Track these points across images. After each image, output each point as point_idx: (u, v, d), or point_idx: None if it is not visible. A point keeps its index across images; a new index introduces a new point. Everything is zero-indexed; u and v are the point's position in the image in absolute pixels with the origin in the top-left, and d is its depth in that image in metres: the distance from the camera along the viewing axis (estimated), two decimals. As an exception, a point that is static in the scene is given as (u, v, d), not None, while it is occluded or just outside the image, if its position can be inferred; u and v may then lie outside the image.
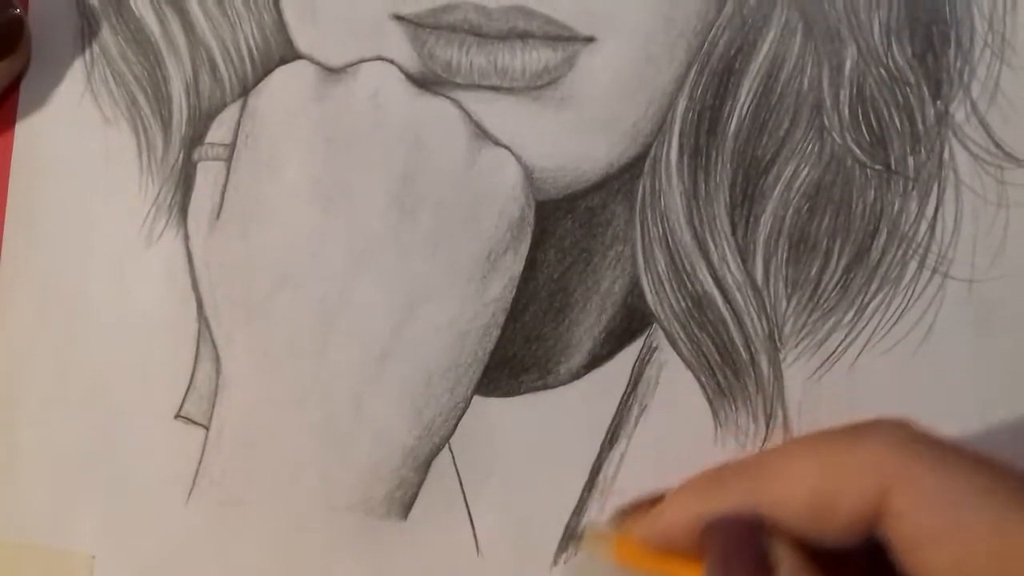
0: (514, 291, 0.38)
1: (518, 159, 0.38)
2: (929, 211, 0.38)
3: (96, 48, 0.39)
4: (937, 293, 0.38)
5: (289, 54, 0.39)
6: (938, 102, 0.38)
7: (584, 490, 0.38)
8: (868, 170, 0.38)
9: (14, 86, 0.39)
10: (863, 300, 0.38)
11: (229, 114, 0.39)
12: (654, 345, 0.38)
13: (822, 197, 0.38)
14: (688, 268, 0.38)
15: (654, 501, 0.32)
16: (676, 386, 0.38)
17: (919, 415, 0.37)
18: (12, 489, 0.38)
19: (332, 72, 0.39)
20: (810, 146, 0.38)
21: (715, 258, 0.38)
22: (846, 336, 0.38)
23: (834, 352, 0.38)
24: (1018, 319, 0.37)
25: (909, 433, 0.28)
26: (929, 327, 0.37)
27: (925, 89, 0.38)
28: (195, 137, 0.39)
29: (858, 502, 0.27)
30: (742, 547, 0.28)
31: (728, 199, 0.38)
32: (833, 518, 0.27)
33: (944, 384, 0.37)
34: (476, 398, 0.38)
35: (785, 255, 0.38)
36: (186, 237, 0.39)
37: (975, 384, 0.37)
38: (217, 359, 0.38)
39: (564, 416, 0.38)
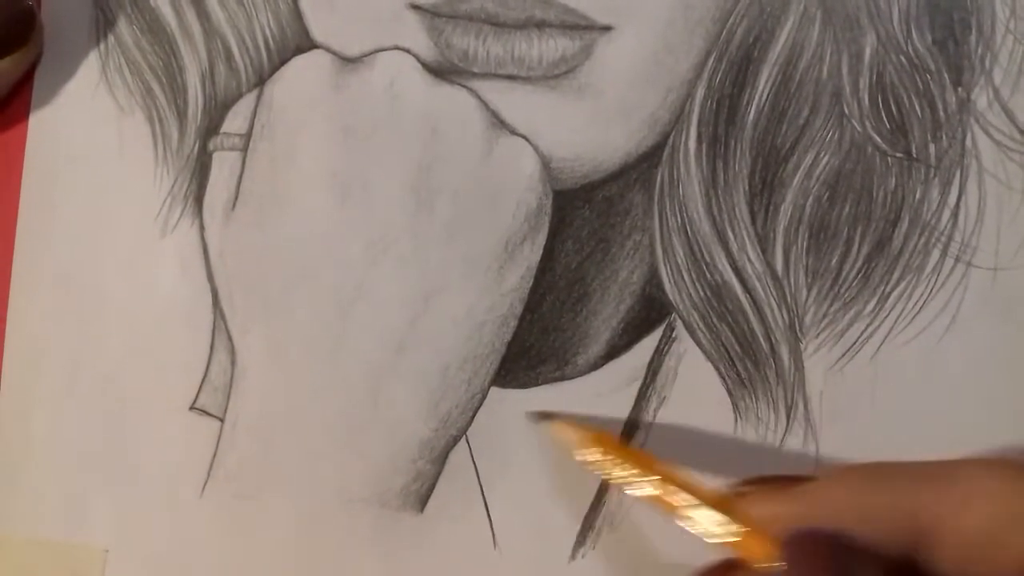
0: (531, 281, 0.38)
1: (535, 149, 0.38)
2: (952, 199, 0.37)
3: (111, 38, 0.39)
4: (961, 281, 0.37)
5: (305, 44, 0.39)
6: (959, 89, 0.38)
7: (602, 482, 0.37)
8: (889, 158, 0.38)
9: (28, 77, 0.39)
10: (885, 289, 0.37)
11: (245, 104, 0.39)
12: (673, 335, 0.38)
13: (842, 185, 0.38)
14: (707, 257, 0.38)
15: (791, 480, 0.29)
16: (695, 377, 0.37)
17: (942, 406, 0.37)
18: (26, 482, 0.38)
19: (348, 62, 0.38)
20: (830, 134, 0.38)
21: (734, 247, 0.38)
22: (868, 326, 0.37)
23: (856, 342, 0.37)
24: (1043, 308, 0.37)
25: None
26: (953, 316, 0.37)
27: (946, 76, 0.38)
28: (211, 127, 0.39)
29: None
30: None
31: (747, 188, 0.38)
32: (1004, 552, 0.25)
33: (968, 374, 0.37)
34: (493, 389, 0.38)
35: (805, 244, 0.38)
36: (201, 227, 0.38)
37: (1000, 373, 0.37)
38: (232, 350, 0.38)
39: (582, 407, 0.38)
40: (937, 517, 0.26)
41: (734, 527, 0.29)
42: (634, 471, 0.32)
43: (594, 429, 0.34)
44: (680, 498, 0.31)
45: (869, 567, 0.27)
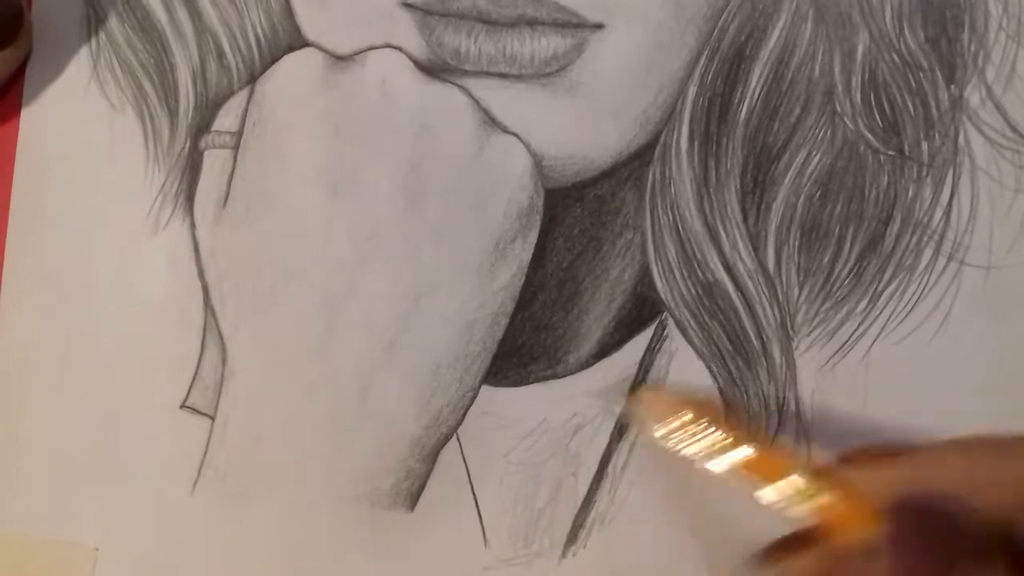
0: (523, 280, 0.38)
1: (527, 147, 0.38)
2: (944, 197, 0.37)
3: (102, 36, 0.39)
4: (953, 280, 0.37)
5: (297, 42, 0.39)
6: (952, 86, 0.38)
7: (593, 480, 0.37)
8: (881, 156, 0.37)
9: (17, 75, 0.39)
10: (877, 288, 0.37)
11: (236, 102, 0.39)
12: (664, 334, 0.38)
13: (834, 184, 0.37)
14: (699, 256, 0.38)
15: (893, 452, 0.28)
16: (687, 375, 0.37)
17: (935, 404, 0.37)
18: (16, 480, 0.38)
19: (340, 60, 0.38)
20: (822, 132, 0.38)
21: (726, 246, 0.37)
22: (860, 324, 0.37)
23: (847, 341, 0.37)
24: (1036, 306, 0.37)
25: None
26: (945, 315, 0.37)
27: (939, 74, 0.37)
28: (202, 125, 0.39)
29: None
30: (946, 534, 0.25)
31: (739, 186, 0.38)
32: None
33: (961, 373, 0.37)
34: (484, 388, 0.38)
35: (797, 242, 0.37)
36: (192, 225, 0.38)
37: (992, 372, 0.37)
38: (223, 348, 0.38)
39: (573, 406, 0.38)
40: None
41: (828, 495, 0.28)
42: (726, 439, 0.31)
43: (689, 395, 0.34)
44: (773, 464, 0.30)
45: (981, 553, 0.25)
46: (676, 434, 0.32)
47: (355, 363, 0.37)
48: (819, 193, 0.37)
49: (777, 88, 0.38)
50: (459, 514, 0.37)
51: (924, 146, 0.37)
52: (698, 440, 0.32)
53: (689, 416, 0.32)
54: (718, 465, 0.31)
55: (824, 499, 0.28)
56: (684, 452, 0.32)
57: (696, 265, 0.38)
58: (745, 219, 0.38)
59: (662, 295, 0.38)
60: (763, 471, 0.30)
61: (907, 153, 0.37)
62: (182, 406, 0.38)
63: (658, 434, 0.33)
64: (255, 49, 0.39)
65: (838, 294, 0.37)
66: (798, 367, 0.37)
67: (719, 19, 0.38)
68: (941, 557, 0.25)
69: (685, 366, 0.37)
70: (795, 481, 0.29)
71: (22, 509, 0.38)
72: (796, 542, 0.29)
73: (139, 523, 0.38)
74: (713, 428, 0.32)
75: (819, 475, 0.29)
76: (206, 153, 0.39)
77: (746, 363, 0.37)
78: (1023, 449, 0.27)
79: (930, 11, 0.38)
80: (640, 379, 0.37)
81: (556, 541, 0.37)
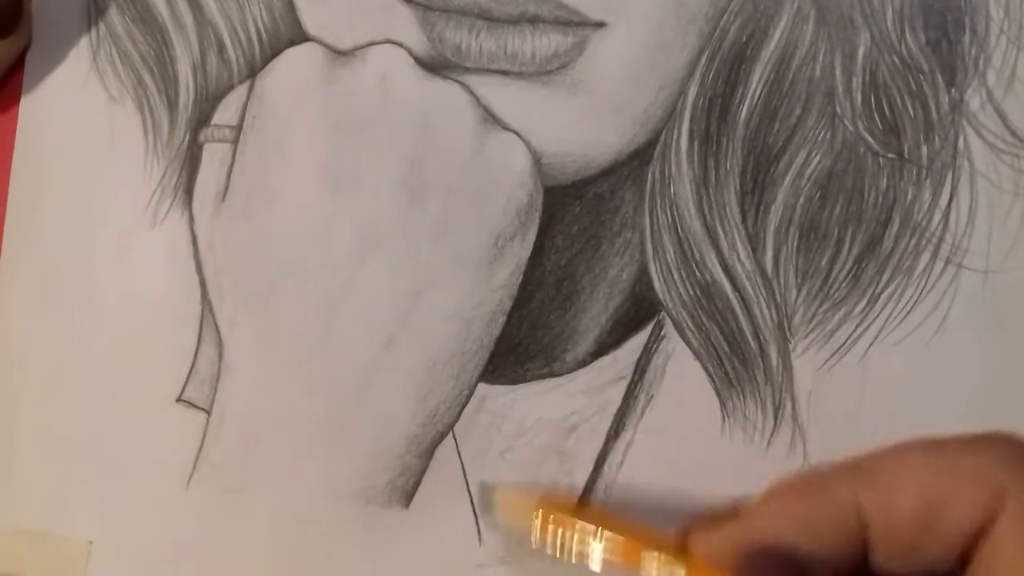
0: (521, 277, 0.38)
1: (527, 144, 0.38)
2: (943, 200, 0.37)
3: (102, 27, 0.39)
4: (951, 283, 0.37)
5: (298, 36, 0.39)
6: (952, 90, 0.38)
7: (589, 480, 0.37)
8: (881, 158, 0.37)
9: (17, 66, 0.39)
10: (875, 290, 0.37)
11: (236, 96, 0.39)
12: (662, 334, 0.38)
13: (834, 185, 0.37)
14: (697, 256, 0.38)
15: (731, 512, 0.28)
16: (683, 375, 0.37)
17: (931, 407, 0.37)
18: (10, 474, 0.38)
19: (340, 55, 0.38)
20: (822, 134, 0.38)
21: (724, 246, 0.37)
22: (857, 327, 0.37)
23: (845, 343, 0.37)
24: (1033, 311, 0.37)
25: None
26: (943, 318, 0.37)
27: (939, 76, 0.38)
28: (201, 118, 0.39)
29: (969, 511, 0.25)
30: None
31: (738, 186, 0.38)
32: (935, 534, 0.25)
33: (957, 376, 0.37)
34: (481, 385, 0.38)
35: (796, 244, 0.37)
36: (191, 219, 0.38)
37: (989, 376, 0.37)
38: (220, 343, 0.38)
39: (570, 404, 0.38)
40: (878, 511, 0.26)
41: (680, 568, 0.28)
42: (583, 533, 0.31)
43: (543, 497, 0.33)
44: (631, 549, 0.30)
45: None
46: (544, 536, 0.32)
47: (353, 359, 0.37)
48: (818, 194, 0.37)
49: (778, 89, 0.38)
50: (454, 511, 0.37)
51: (924, 149, 0.37)
52: (562, 538, 0.31)
53: (545, 516, 0.32)
54: (589, 561, 0.31)
55: (679, 572, 0.28)
56: (556, 553, 0.31)
57: (694, 265, 0.38)
58: (744, 220, 0.38)
59: (660, 295, 0.38)
60: (624, 555, 0.30)
61: (906, 156, 0.37)
62: (178, 400, 0.38)
63: (531, 540, 0.32)
64: (256, 43, 0.39)
65: (836, 296, 0.37)
66: (795, 369, 0.37)
67: (720, 19, 0.38)
68: None
69: (682, 367, 0.37)
70: (651, 560, 0.29)
71: (16, 502, 0.38)
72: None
73: (134, 517, 0.37)
74: (573, 524, 0.31)
75: (670, 548, 0.29)
76: (205, 147, 0.38)
77: (743, 364, 0.37)
78: (827, 483, 0.27)
79: (931, 14, 0.38)
80: (637, 379, 0.37)
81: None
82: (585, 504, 0.35)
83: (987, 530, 0.25)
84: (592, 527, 0.30)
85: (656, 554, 0.29)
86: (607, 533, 0.30)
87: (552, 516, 0.31)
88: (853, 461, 0.27)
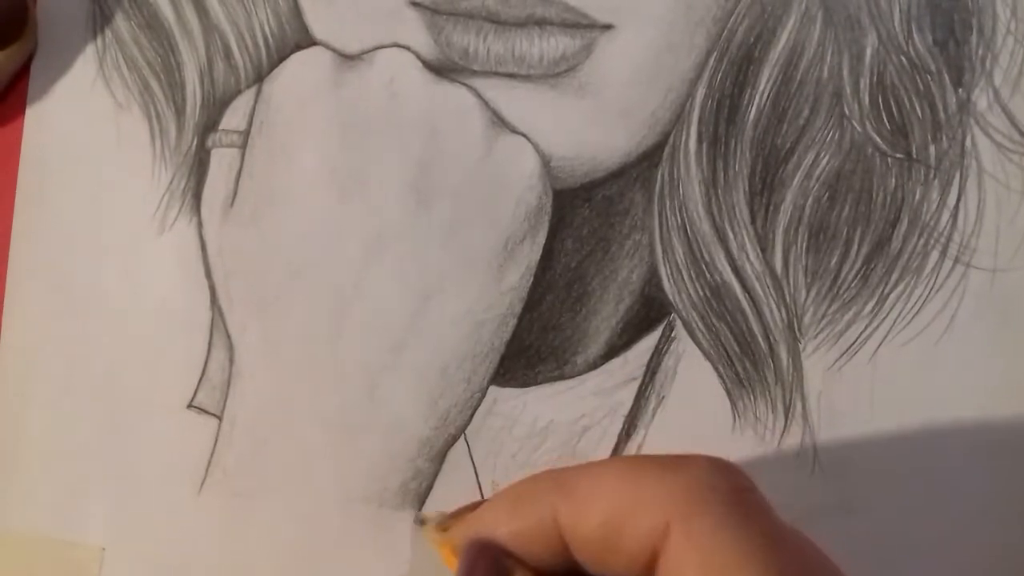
0: (531, 280, 0.38)
1: (535, 147, 0.38)
2: (951, 200, 0.37)
3: (108, 33, 0.39)
4: (959, 283, 0.37)
5: (304, 40, 0.39)
6: (960, 90, 0.38)
7: (601, 482, 0.37)
8: (889, 159, 0.38)
9: (23, 72, 0.39)
10: (884, 290, 0.37)
11: (243, 101, 0.38)
12: (672, 335, 0.38)
13: (842, 186, 0.38)
14: (706, 257, 0.38)
15: (475, 507, 0.32)
16: (694, 376, 0.37)
17: (941, 406, 0.37)
18: (22, 480, 0.38)
19: (348, 59, 0.38)
20: (830, 134, 0.38)
21: (734, 247, 0.38)
22: (866, 326, 0.37)
23: (854, 343, 0.37)
24: (1042, 309, 0.37)
25: (719, 479, 0.27)
26: (951, 317, 0.37)
27: (946, 77, 0.38)
28: (209, 124, 0.39)
29: (641, 535, 0.27)
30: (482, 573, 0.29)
31: (747, 188, 0.38)
32: (619, 548, 0.27)
33: (966, 375, 0.37)
34: (492, 388, 0.38)
35: (805, 244, 0.38)
36: (199, 224, 0.38)
37: (998, 375, 0.37)
38: (230, 348, 0.38)
39: (581, 406, 0.38)
40: (568, 524, 0.28)
41: (439, 547, 0.32)
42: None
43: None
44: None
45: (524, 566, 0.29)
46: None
47: (363, 363, 0.37)
48: (827, 195, 0.38)
49: (786, 90, 0.38)
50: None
51: (931, 149, 0.38)
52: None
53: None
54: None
55: (441, 550, 0.32)
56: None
57: (704, 266, 0.38)
58: (753, 221, 0.38)
59: (670, 296, 0.38)
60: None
61: (914, 156, 0.38)
62: (189, 406, 0.38)
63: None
64: (262, 48, 0.39)
65: (845, 296, 0.37)
66: (805, 369, 0.37)
67: (728, 21, 0.38)
68: None
69: (692, 367, 0.37)
70: (426, 532, 0.33)
71: (28, 509, 0.38)
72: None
73: (146, 523, 0.38)
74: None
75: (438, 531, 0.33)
76: (213, 152, 0.38)
77: (753, 365, 0.37)
78: (533, 494, 0.29)
79: (938, 14, 0.38)
80: (648, 380, 0.38)
81: (564, 541, 0.37)
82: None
83: (659, 553, 0.27)
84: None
85: (431, 528, 0.33)
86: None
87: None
88: (559, 473, 0.29)
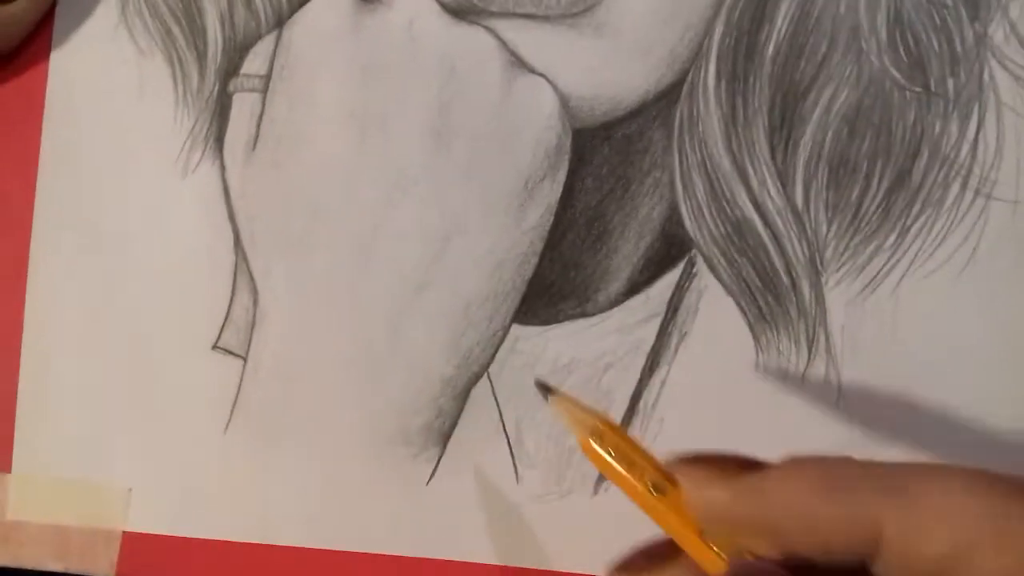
0: (551, 219, 0.38)
1: (554, 87, 0.38)
2: (970, 133, 0.37)
3: (131, -20, 0.39)
4: (981, 215, 0.37)
5: (324, -16, 0.39)
6: (976, 23, 0.38)
7: (624, 417, 0.37)
8: (907, 92, 0.38)
9: (47, 20, 0.39)
10: (905, 223, 0.37)
11: (264, 45, 0.39)
12: (693, 271, 0.38)
13: (861, 120, 0.38)
14: (727, 194, 0.38)
15: (742, 465, 0.26)
16: (716, 312, 0.37)
17: (964, 338, 0.37)
18: (49, 422, 0.38)
19: (367, 2, 0.38)
20: (848, 69, 0.38)
21: (754, 183, 0.38)
22: (888, 259, 0.37)
23: (876, 276, 0.37)
24: (1063, 240, 0.37)
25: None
26: (973, 249, 0.37)
27: (963, 11, 0.38)
28: (230, 68, 0.39)
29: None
30: None
31: (767, 124, 0.38)
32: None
33: (989, 306, 0.37)
34: (514, 327, 0.38)
35: (825, 179, 0.38)
36: (222, 168, 0.38)
37: (1021, 305, 0.37)
38: (254, 291, 0.38)
39: (603, 344, 0.38)
40: (897, 537, 0.24)
41: (664, 508, 0.27)
42: (623, 460, 0.29)
43: (595, 415, 0.30)
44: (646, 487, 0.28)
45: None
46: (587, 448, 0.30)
47: (385, 304, 0.37)
48: (846, 130, 0.38)
49: (803, 26, 0.38)
50: (491, 452, 0.37)
51: (950, 83, 0.38)
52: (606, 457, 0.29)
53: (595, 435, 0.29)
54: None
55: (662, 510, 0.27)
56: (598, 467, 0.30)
57: (725, 203, 0.38)
58: (773, 156, 0.38)
59: (691, 233, 0.38)
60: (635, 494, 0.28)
61: (933, 89, 0.38)
62: (214, 347, 0.38)
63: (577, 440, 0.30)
64: (283, -8, 0.39)
65: (866, 229, 0.37)
66: (828, 302, 0.37)
67: (745, -42, 0.38)
68: None
69: (714, 303, 0.37)
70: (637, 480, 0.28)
71: (56, 451, 0.38)
72: (649, 557, 0.28)
73: (173, 463, 0.38)
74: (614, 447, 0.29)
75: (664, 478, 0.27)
76: (235, 96, 0.39)
77: (776, 299, 0.37)
78: (855, 486, 0.25)
79: (955, -53, 0.38)
80: (670, 316, 0.38)
81: (588, 477, 0.37)
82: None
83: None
84: (637, 449, 0.29)
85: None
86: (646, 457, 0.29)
87: (603, 433, 0.29)
88: (889, 471, 0.25)
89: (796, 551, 0.25)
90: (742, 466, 0.26)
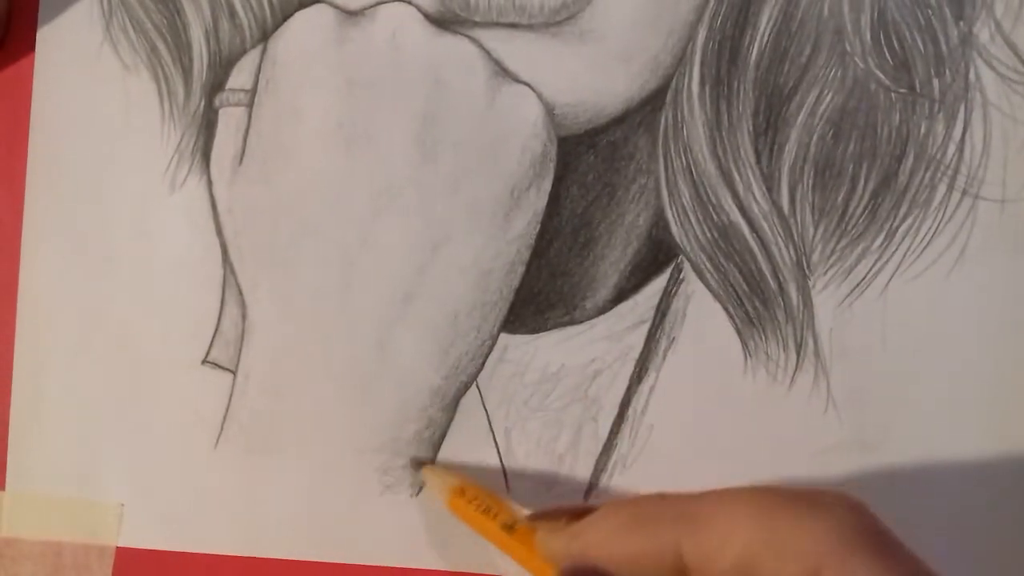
0: (538, 227, 0.38)
1: (538, 96, 0.38)
2: (957, 133, 0.37)
3: (115, -3, 0.40)
4: (968, 215, 0.37)
5: (307, -2, 0.39)
6: (961, 23, 0.38)
7: (614, 425, 0.37)
8: (892, 94, 0.38)
9: (29, 36, 0.39)
10: (892, 224, 0.37)
11: (249, 60, 0.39)
12: (681, 277, 0.38)
13: (846, 122, 0.38)
14: (713, 198, 0.38)
15: (577, 513, 0.31)
16: (704, 317, 0.37)
17: (952, 339, 0.37)
18: (40, 439, 0.38)
19: (351, 15, 0.38)
20: (832, 72, 0.38)
21: (740, 187, 0.38)
22: (876, 261, 0.37)
23: (864, 278, 0.37)
24: (1052, 239, 0.37)
25: (863, 521, 0.27)
26: (962, 249, 0.37)
27: (947, 10, 0.38)
28: (216, 83, 0.39)
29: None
30: None
31: (751, 128, 0.38)
32: None
33: (978, 307, 0.37)
34: (502, 336, 0.38)
35: (811, 182, 0.38)
36: (209, 183, 0.39)
37: (1010, 306, 0.37)
38: (243, 304, 0.38)
39: (592, 351, 0.38)
40: (694, 561, 0.27)
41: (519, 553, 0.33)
42: (481, 507, 0.35)
43: (457, 476, 0.36)
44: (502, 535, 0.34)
45: None
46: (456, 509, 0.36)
47: (373, 315, 0.38)
48: (831, 132, 0.38)
49: (787, 29, 0.38)
50: (481, 461, 0.37)
51: (935, 83, 0.37)
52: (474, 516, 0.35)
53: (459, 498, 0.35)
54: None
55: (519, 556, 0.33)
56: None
57: (711, 208, 0.38)
58: (758, 160, 0.38)
59: (677, 239, 0.38)
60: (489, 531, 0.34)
61: (918, 90, 0.37)
62: (204, 362, 0.38)
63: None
64: (266, 6, 0.39)
65: (853, 232, 0.37)
66: (815, 306, 0.37)
67: (727, -37, 0.38)
68: None
69: (702, 308, 0.37)
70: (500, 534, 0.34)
71: (47, 467, 0.38)
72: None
73: (164, 478, 0.38)
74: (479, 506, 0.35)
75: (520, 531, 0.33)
76: (221, 111, 0.39)
77: (763, 303, 0.37)
78: (657, 520, 0.29)
79: (937, -53, 0.38)
80: (657, 323, 0.38)
81: (578, 485, 0.37)
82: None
83: None
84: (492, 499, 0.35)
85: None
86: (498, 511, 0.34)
87: (464, 489, 0.35)
88: (684, 502, 0.29)
89: None
90: (577, 515, 0.31)
